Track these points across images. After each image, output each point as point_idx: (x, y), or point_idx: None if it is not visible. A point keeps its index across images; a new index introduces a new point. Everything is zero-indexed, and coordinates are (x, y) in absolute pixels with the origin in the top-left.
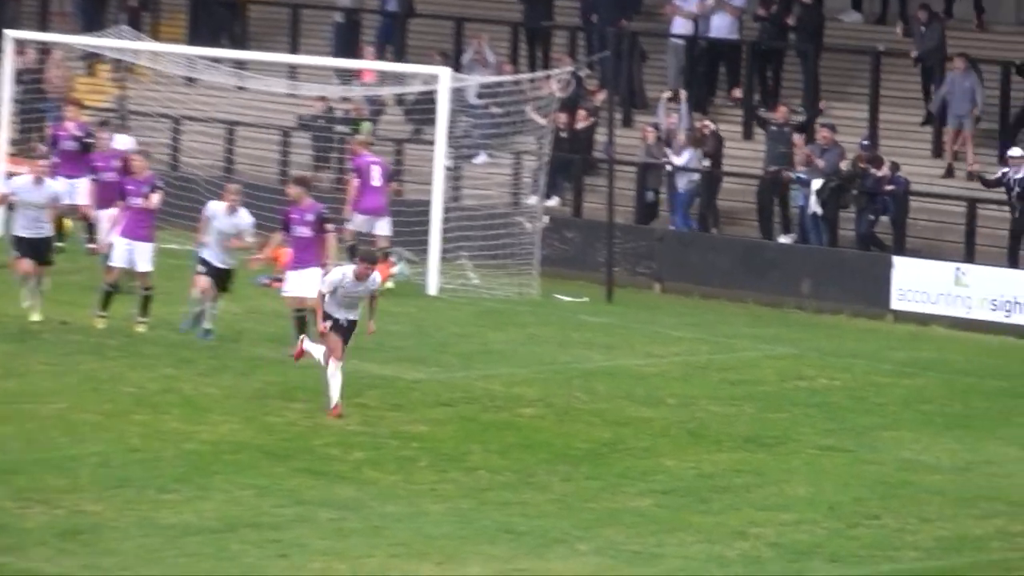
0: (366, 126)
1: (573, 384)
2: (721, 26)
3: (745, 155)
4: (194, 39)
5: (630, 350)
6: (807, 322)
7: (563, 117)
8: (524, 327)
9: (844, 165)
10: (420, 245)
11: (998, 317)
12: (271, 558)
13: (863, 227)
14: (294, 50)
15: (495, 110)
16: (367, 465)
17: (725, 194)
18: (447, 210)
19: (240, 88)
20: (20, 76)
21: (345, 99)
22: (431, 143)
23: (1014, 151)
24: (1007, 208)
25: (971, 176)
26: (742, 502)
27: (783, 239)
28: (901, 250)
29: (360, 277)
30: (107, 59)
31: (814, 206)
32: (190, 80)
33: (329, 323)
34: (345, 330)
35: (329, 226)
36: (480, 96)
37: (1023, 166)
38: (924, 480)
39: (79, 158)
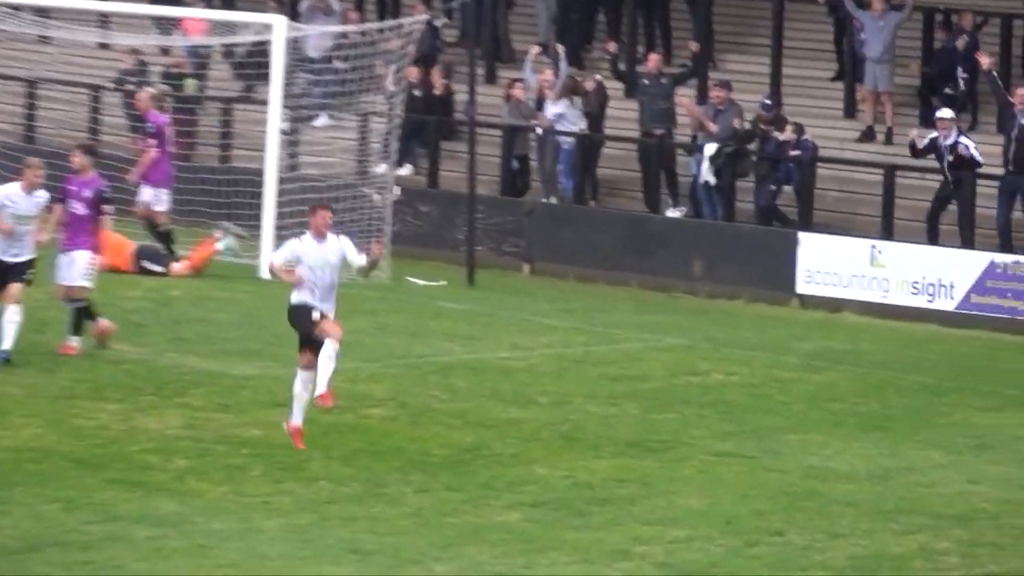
0: (190, 83)
1: (429, 381)
2: None
3: (628, 116)
4: None
5: (495, 341)
6: (700, 308)
7: (417, 73)
8: (372, 315)
9: (741, 126)
10: (251, 220)
11: (919, 302)
12: None
13: (764, 199)
14: None
15: (338, 65)
16: (190, 475)
17: (605, 161)
18: (282, 180)
19: (43, 39)
20: None
21: (164, 52)
22: (264, 103)
23: (944, 112)
24: (929, 177)
25: (908, 146)
26: (625, 516)
27: (672, 213)
28: (808, 225)
29: (319, 232)
30: None
31: (707, 175)
32: None
33: (317, 313)
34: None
35: (107, 207)
36: (321, 49)
37: (953, 129)
38: (835, 490)
39: None
